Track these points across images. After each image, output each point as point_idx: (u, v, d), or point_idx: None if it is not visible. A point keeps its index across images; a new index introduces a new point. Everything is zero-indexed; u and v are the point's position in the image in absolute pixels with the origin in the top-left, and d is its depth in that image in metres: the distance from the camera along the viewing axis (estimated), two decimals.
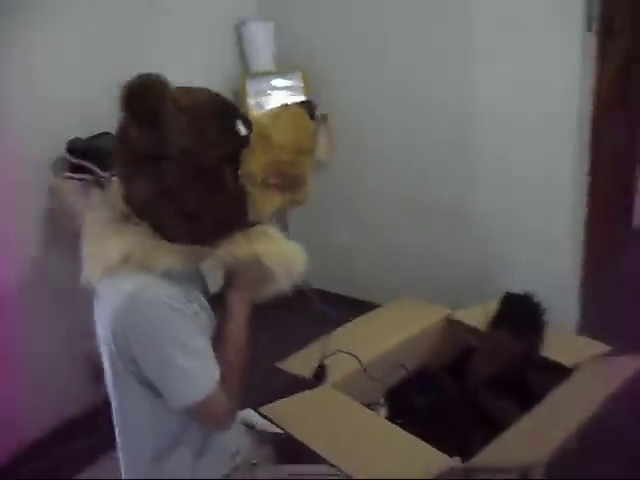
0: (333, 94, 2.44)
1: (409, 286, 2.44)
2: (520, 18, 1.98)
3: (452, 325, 1.94)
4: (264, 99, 2.38)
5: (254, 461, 1.35)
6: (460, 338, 1.92)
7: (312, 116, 1.20)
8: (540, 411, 1.47)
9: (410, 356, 1.88)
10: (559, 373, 1.64)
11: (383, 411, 1.79)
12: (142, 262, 1.04)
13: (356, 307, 2.56)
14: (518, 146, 2.14)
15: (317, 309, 2.76)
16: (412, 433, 1.62)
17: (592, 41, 2.01)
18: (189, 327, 1.08)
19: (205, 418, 1.15)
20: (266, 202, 1.11)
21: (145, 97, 0.98)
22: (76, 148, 1.90)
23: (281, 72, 2.42)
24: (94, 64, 1.97)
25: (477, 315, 1.92)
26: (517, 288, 1.90)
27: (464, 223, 2.33)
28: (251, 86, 2.39)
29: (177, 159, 1.02)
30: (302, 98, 2.39)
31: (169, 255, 1.05)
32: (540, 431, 1.41)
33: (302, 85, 2.37)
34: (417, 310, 2.03)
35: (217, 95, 1.12)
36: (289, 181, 1.14)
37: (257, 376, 1.75)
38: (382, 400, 1.83)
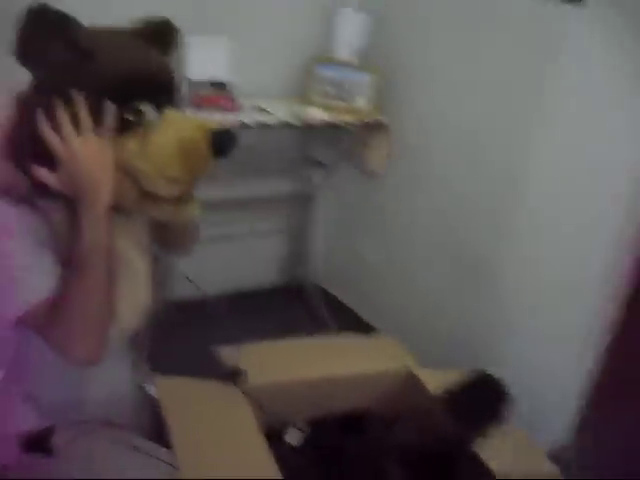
0: (402, 106, 2.31)
1: (413, 323, 2.31)
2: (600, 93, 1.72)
3: (409, 378, 1.80)
4: (328, 88, 2.30)
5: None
6: (412, 394, 1.77)
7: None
8: None
9: (352, 393, 1.77)
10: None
11: (294, 434, 1.70)
12: None
13: (357, 325, 2.46)
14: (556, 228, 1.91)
15: (318, 312, 2.68)
16: (314, 468, 1.54)
17: None
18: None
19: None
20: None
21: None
22: None
23: (358, 67, 2.31)
24: None
25: (439, 378, 1.76)
26: (507, 375, 1.70)
27: (488, 284, 2.13)
28: (321, 71, 2.30)
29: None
30: (364, 98, 2.28)
31: None
32: None
33: (369, 86, 2.26)
34: (386, 351, 1.90)
35: (149, 61, 1.02)
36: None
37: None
38: (304, 425, 1.74)
